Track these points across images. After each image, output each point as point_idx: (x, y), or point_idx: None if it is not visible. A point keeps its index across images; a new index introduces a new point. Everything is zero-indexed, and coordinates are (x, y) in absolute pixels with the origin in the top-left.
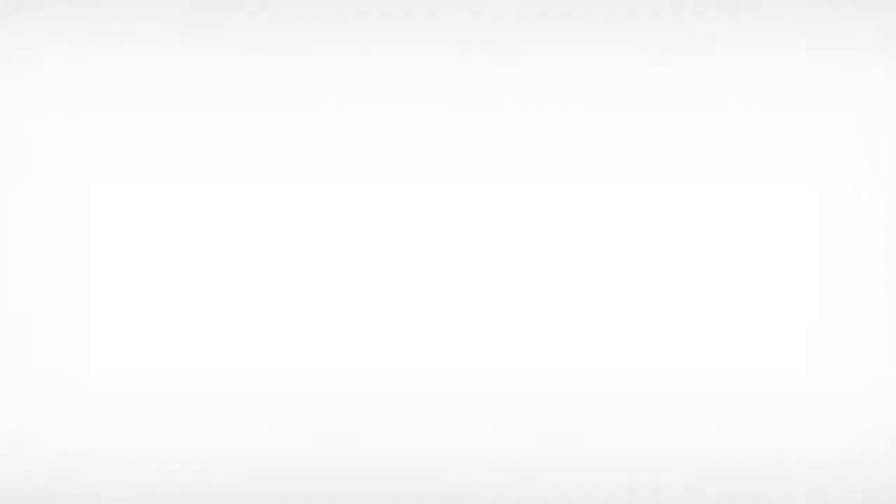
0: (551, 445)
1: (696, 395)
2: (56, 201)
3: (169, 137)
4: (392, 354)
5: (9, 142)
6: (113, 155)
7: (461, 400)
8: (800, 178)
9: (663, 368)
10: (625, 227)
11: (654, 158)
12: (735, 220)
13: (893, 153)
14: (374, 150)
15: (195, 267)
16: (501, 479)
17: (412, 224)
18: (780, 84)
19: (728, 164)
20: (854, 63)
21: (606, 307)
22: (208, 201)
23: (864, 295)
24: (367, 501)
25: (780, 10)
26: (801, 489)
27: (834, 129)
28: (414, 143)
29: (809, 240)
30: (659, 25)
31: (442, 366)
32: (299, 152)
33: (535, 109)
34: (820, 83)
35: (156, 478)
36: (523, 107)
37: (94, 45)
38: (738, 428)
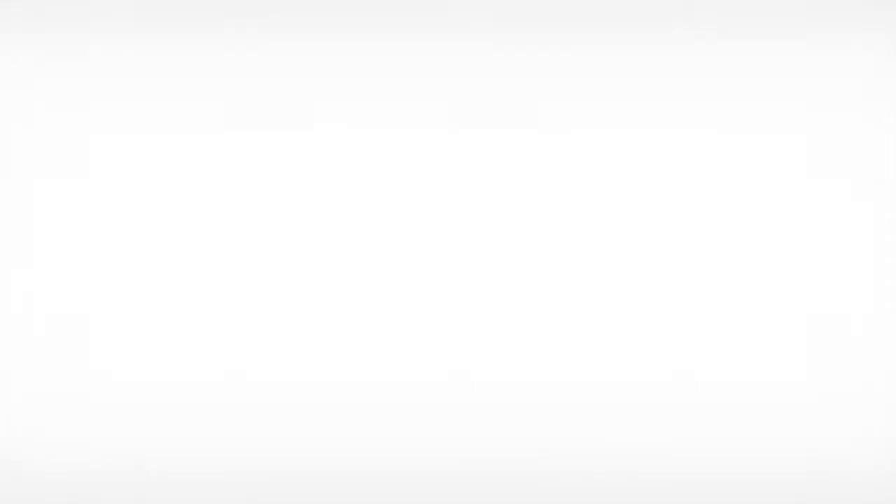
0: (547, 451)
1: (694, 398)
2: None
3: (163, 133)
4: (392, 356)
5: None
6: (105, 149)
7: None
8: (798, 179)
9: (660, 371)
10: (622, 226)
11: (652, 159)
12: (734, 221)
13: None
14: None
15: (193, 268)
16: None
17: (409, 221)
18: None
19: (727, 164)
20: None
21: (603, 312)
22: (208, 200)
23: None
24: None
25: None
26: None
27: (835, 129)
28: (411, 141)
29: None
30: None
31: (441, 368)
32: (299, 152)
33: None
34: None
35: (154, 477)
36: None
37: (80, 36)
38: (738, 434)
